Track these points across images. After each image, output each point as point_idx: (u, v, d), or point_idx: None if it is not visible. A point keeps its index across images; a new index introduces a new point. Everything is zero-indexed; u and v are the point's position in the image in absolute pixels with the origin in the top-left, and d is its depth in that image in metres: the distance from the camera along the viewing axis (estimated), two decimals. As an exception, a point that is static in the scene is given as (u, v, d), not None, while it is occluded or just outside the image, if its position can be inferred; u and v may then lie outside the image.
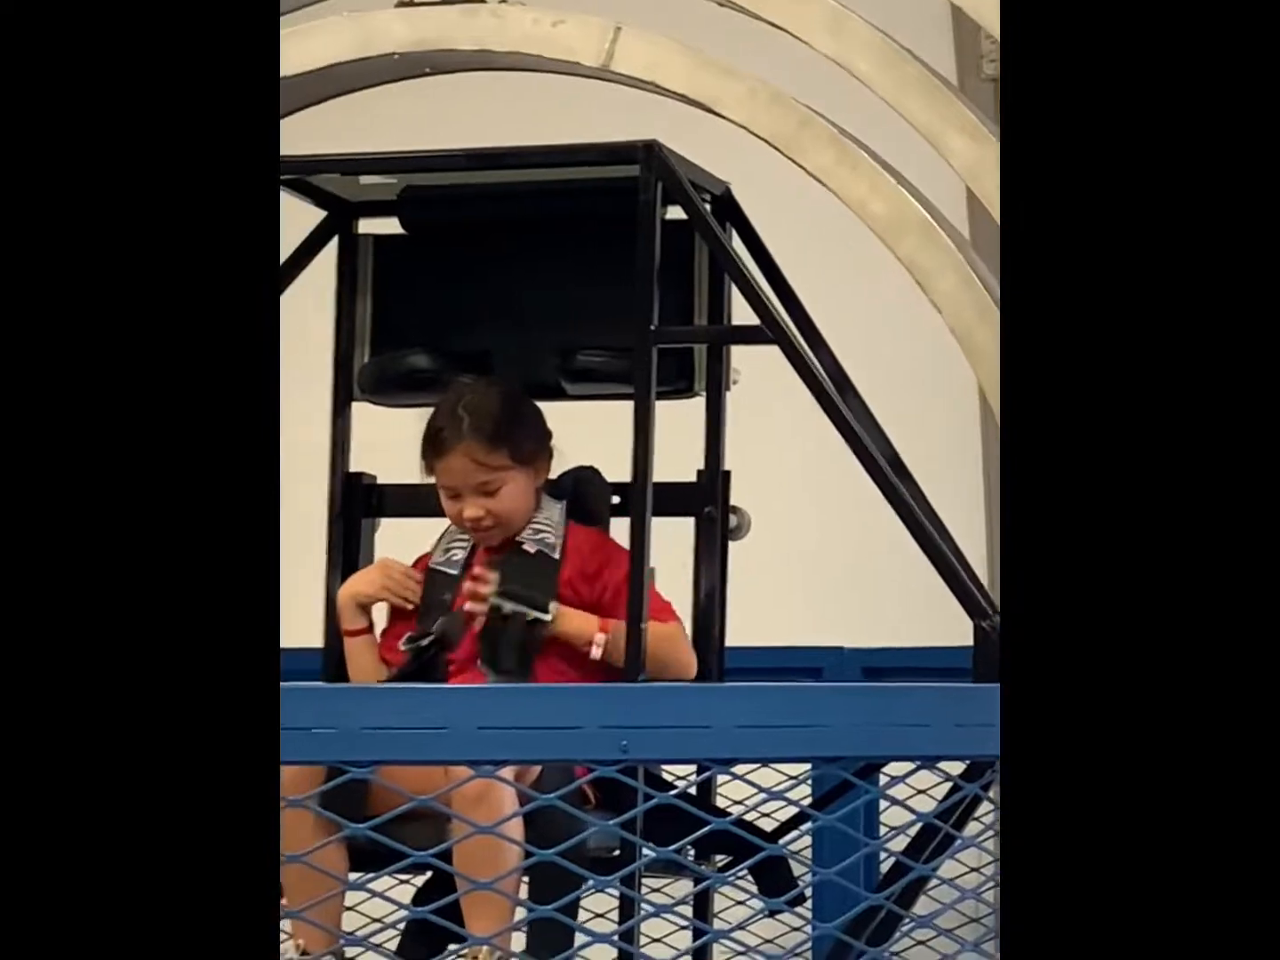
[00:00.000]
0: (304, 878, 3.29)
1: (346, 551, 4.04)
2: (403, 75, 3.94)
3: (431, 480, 3.86)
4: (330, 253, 4.10)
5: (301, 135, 3.98)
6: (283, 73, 3.78)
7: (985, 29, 3.73)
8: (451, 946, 3.44)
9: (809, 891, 3.84)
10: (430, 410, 3.83)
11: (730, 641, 3.96)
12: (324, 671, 3.92)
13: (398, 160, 3.95)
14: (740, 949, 4.09)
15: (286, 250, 4.00)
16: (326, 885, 3.32)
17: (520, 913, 3.47)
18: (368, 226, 4.12)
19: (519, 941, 3.56)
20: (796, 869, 3.79)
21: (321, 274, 4.09)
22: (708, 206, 3.81)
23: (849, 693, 2.66)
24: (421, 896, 3.66)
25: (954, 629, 3.75)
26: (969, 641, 3.65)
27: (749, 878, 3.74)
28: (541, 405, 3.92)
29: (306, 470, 4.05)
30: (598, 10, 3.70)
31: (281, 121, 3.99)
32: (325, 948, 3.50)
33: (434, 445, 3.79)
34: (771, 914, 3.75)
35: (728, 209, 3.93)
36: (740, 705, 2.58)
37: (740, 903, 4.26)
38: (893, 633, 4.67)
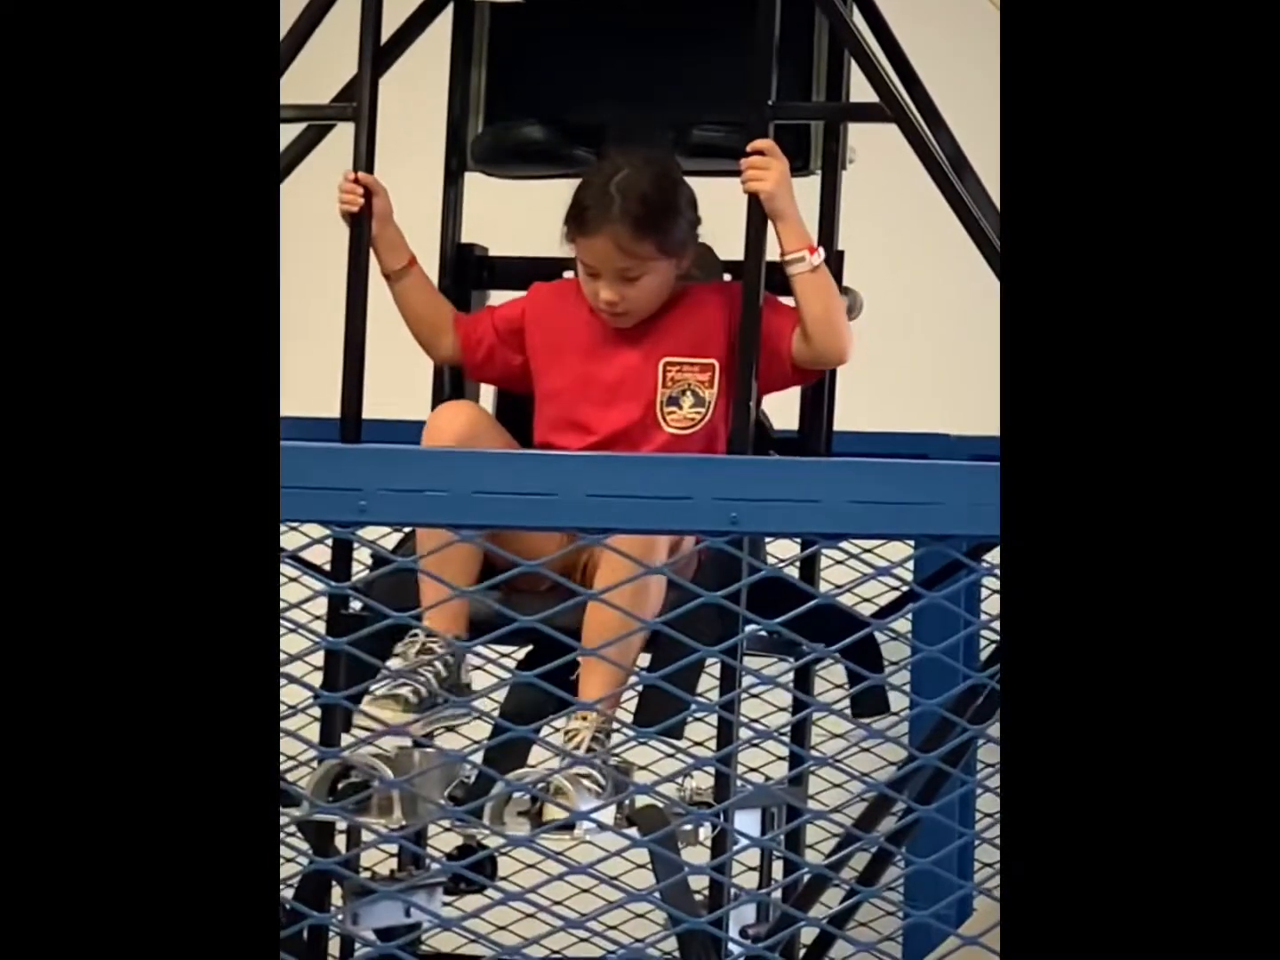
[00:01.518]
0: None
1: (458, 323, 4.03)
2: None
3: (556, 254, 3.79)
4: (445, 19, 4.03)
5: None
6: None
7: None
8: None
9: (909, 672, 3.86)
10: (578, 179, 3.72)
11: (838, 426, 3.93)
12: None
13: (517, -77, 3.92)
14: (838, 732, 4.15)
15: (401, 16, 3.99)
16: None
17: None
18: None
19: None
20: (900, 651, 3.80)
21: (435, 41, 4.05)
22: (831, -18, 3.75)
23: (962, 471, 2.62)
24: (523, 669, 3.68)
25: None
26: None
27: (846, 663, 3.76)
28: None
29: (418, 241, 4.04)
30: None
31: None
32: None
33: (579, 222, 3.67)
34: (862, 710, 3.75)
35: (850, -17, 3.87)
36: (852, 480, 2.57)
37: (838, 685, 4.28)
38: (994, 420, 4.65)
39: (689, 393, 3.67)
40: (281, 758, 3.86)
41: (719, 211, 3.77)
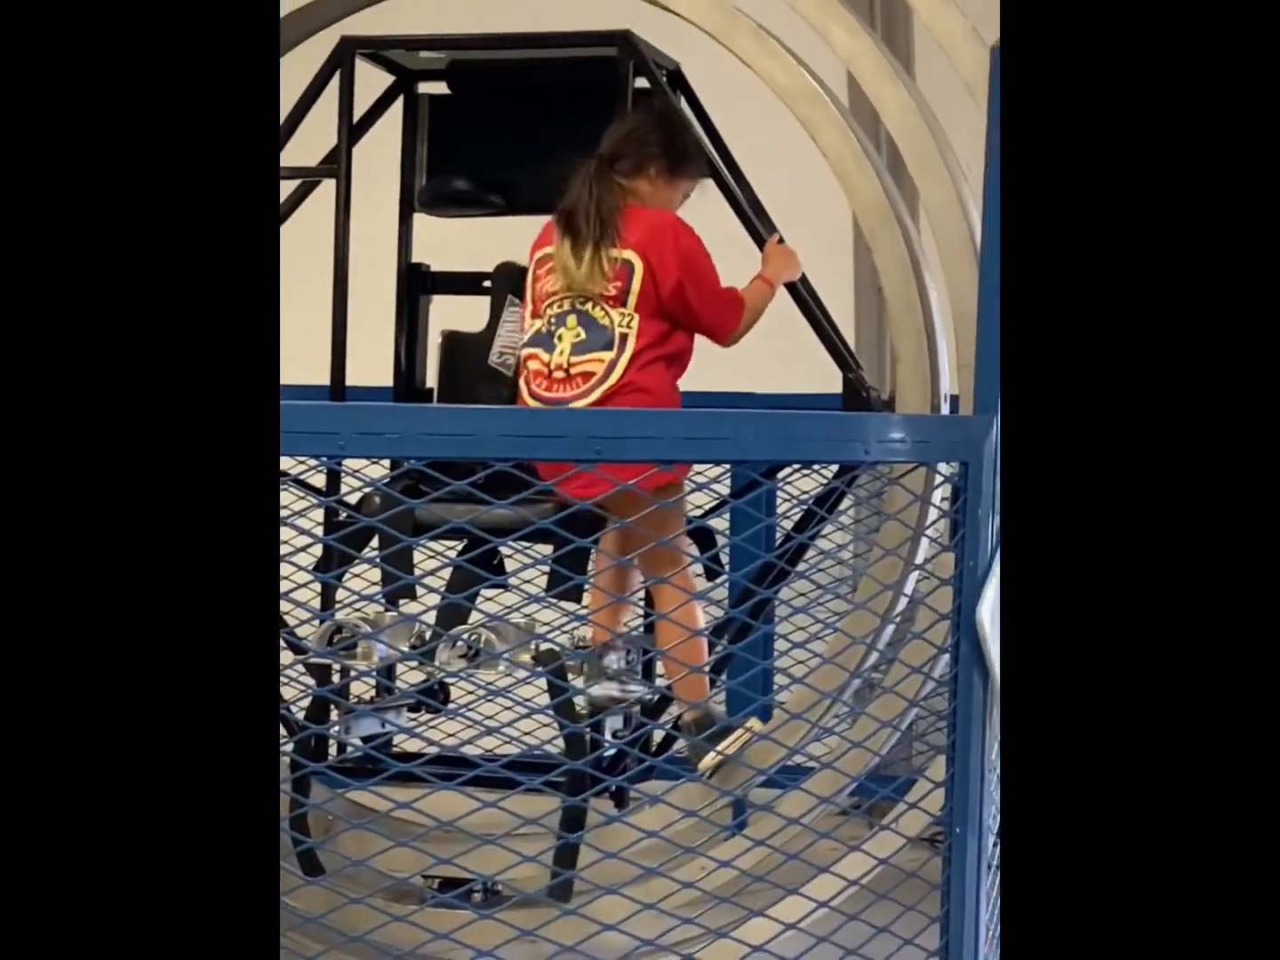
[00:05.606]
0: None
1: (410, 320, 4.03)
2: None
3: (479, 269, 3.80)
4: (397, 107, 4.05)
5: (379, 20, 3.93)
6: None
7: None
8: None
9: (726, 553, 3.90)
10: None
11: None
12: (395, 397, 3.94)
13: (447, 40, 3.91)
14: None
15: (367, 102, 3.97)
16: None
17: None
18: (425, 88, 4.06)
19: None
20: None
21: (391, 121, 4.05)
22: (664, 79, 3.76)
23: (758, 416, 2.65)
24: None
25: (828, 380, 3.79)
26: (839, 389, 3.69)
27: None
28: (542, 218, 3.84)
29: (380, 262, 4.03)
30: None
31: (365, 10, 3.94)
32: None
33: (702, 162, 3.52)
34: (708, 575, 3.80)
35: (678, 80, 3.90)
36: (681, 423, 2.57)
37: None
38: (787, 383, 4.69)
39: None
40: (293, 619, 3.88)
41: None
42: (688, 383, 3.77)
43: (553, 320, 3.29)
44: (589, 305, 3.25)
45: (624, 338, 3.21)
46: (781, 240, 3.58)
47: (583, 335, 3.24)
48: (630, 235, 3.28)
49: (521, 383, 3.39)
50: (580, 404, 3.23)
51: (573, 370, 3.22)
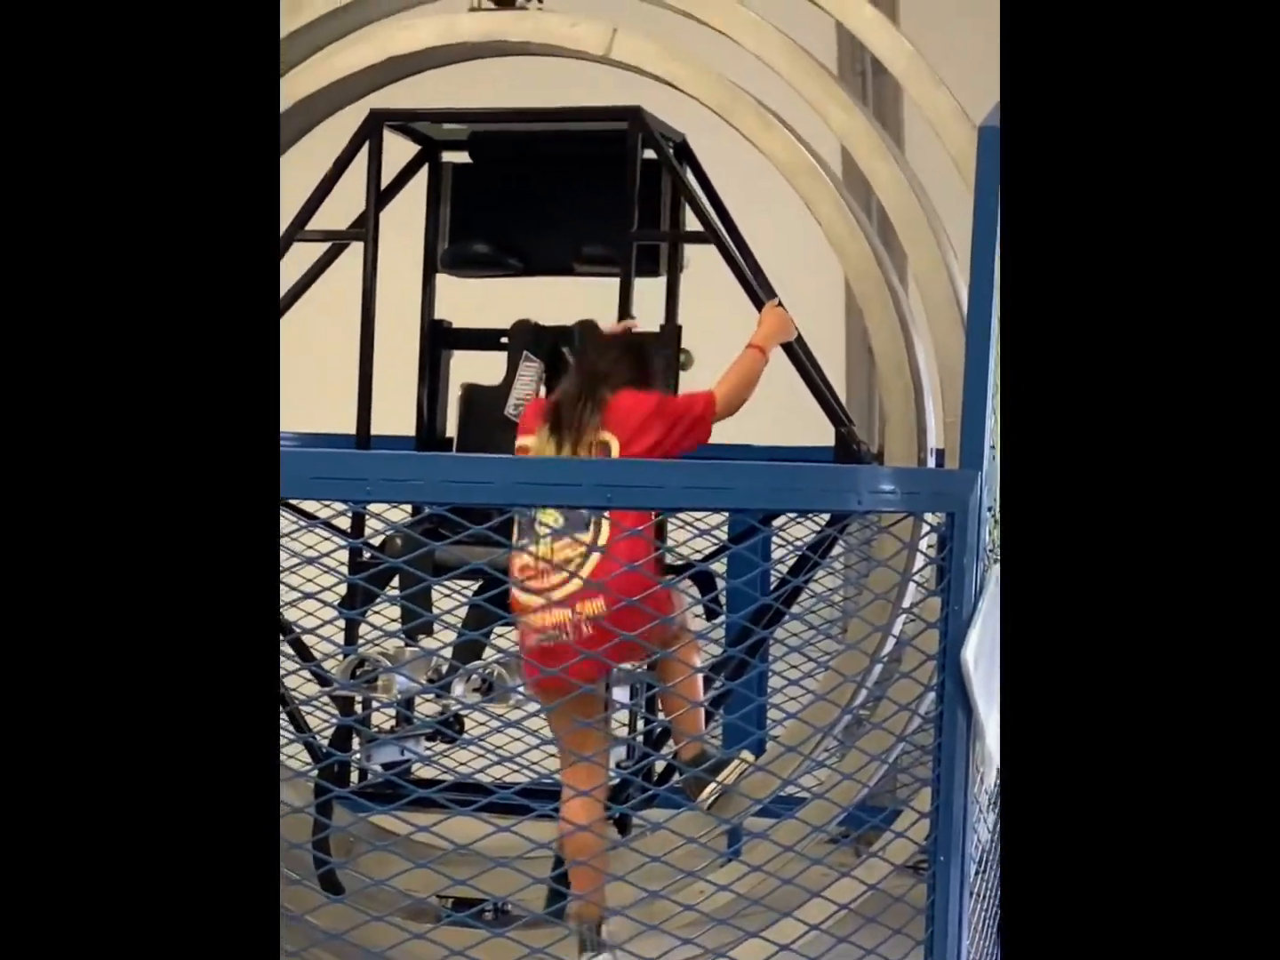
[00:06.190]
0: None
1: (432, 371, 4.06)
2: (474, 57, 3.94)
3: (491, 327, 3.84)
4: (422, 175, 4.09)
5: (405, 94, 3.99)
6: (393, 52, 3.77)
7: (859, 39, 3.73)
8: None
9: (724, 595, 3.91)
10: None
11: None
12: (417, 446, 3.97)
13: (469, 113, 3.96)
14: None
15: (394, 170, 4.03)
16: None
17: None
18: (448, 157, 4.09)
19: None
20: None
21: (416, 188, 4.10)
22: (671, 151, 3.81)
23: (754, 467, 2.66)
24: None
25: (821, 434, 3.83)
26: (831, 443, 3.73)
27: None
28: (556, 280, 3.91)
29: (404, 319, 4.08)
30: (598, 13, 3.71)
31: (391, 85, 4.00)
32: None
33: None
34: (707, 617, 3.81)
35: (684, 152, 3.94)
36: (684, 473, 2.59)
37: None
38: (783, 436, 4.72)
39: None
40: (319, 652, 3.91)
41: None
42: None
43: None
44: None
45: (598, 521, 3.17)
46: (780, 304, 3.63)
47: (561, 521, 3.19)
48: (604, 420, 3.29)
49: (513, 580, 3.17)
50: (567, 589, 3.10)
51: (556, 558, 3.15)
